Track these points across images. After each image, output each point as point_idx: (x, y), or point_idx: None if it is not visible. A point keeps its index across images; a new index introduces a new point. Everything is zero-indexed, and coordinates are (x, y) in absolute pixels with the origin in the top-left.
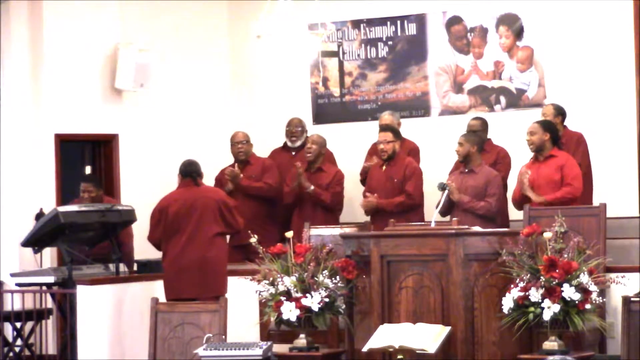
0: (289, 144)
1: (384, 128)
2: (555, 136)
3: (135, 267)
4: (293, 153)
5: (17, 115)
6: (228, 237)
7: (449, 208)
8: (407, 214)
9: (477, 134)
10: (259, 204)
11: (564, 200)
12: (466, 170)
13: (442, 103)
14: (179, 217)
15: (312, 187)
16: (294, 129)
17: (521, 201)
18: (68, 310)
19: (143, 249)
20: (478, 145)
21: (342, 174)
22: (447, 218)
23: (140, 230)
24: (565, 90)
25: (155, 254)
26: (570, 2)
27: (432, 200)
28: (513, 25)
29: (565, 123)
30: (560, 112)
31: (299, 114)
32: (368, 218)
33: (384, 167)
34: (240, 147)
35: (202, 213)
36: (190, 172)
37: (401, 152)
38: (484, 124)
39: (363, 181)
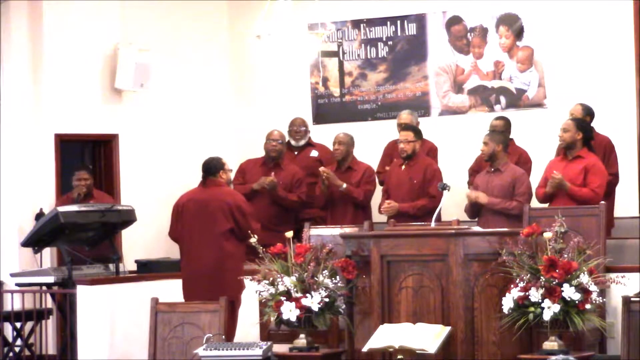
0: (292, 143)
1: (405, 127)
2: (588, 137)
3: (135, 267)
4: (296, 152)
5: (17, 115)
6: None
7: (476, 210)
8: (425, 217)
9: (502, 133)
10: (274, 206)
11: (581, 199)
12: (492, 170)
13: (442, 103)
14: (191, 216)
15: (345, 185)
16: (298, 128)
17: (545, 198)
18: (68, 310)
19: (144, 249)
20: (503, 144)
21: (372, 169)
22: (475, 219)
23: (141, 230)
24: (565, 90)
25: (155, 254)
26: (570, 2)
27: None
28: (513, 25)
29: (593, 124)
30: (589, 113)
31: (299, 114)
32: (384, 217)
33: (403, 167)
34: (274, 144)
35: (213, 215)
36: (203, 171)
37: (421, 152)
38: (507, 124)
39: (382, 182)
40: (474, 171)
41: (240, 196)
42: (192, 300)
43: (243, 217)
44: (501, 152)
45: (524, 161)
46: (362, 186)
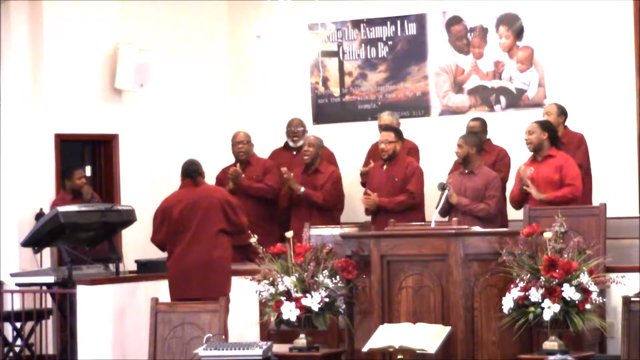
0: (290, 144)
1: (385, 128)
2: (554, 136)
3: (135, 267)
4: (294, 153)
5: (17, 115)
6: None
7: (448, 209)
8: (408, 214)
9: (477, 135)
10: (259, 204)
11: (564, 199)
12: (466, 172)
13: (442, 103)
14: (183, 217)
15: (303, 189)
16: (295, 129)
17: (520, 200)
18: (68, 310)
19: (144, 249)
20: (477, 146)
21: (338, 172)
22: (446, 218)
23: (141, 230)
24: (565, 90)
25: (155, 254)
26: (570, 2)
27: (433, 200)
28: (513, 25)
29: (566, 123)
30: (563, 112)
31: (299, 114)
32: (369, 218)
33: (384, 167)
34: (241, 147)
35: (206, 212)
36: (190, 172)
37: (402, 152)
38: (483, 125)
39: (364, 184)
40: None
41: (225, 190)
42: (179, 298)
43: (233, 211)
44: (475, 155)
45: (501, 157)
46: (323, 189)
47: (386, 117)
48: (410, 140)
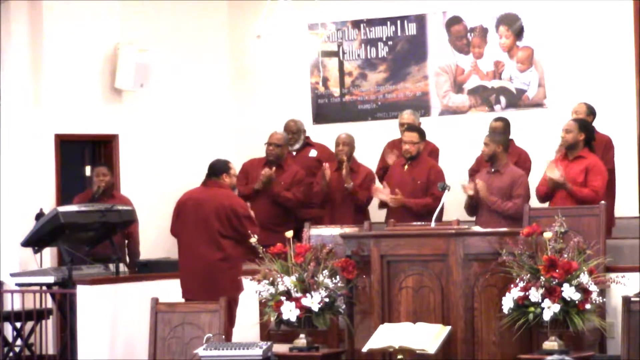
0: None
1: (409, 128)
2: (590, 138)
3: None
4: (294, 153)
5: (17, 115)
6: None
7: (474, 207)
8: (427, 216)
9: (504, 134)
10: (274, 206)
11: (584, 199)
12: (492, 170)
13: (442, 103)
14: (189, 214)
15: (352, 184)
16: (290, 134)
17: (545, 196)
18: (68, 310)
19: (145, 249)
20: (504, 145)
21: (373, 174)
22: (473, 218)
23: (141, 229)
24: (565, 90)
25: (155, 254)
26: (570, 2)
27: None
28: (513, 25)
29: (594, 124)
30: (592, 112)
31: (299, 114)
32: (382, 218)
33: (405, 167)
34: (272, 149)
35: (208, 216)
36: (209, 172)
37: (424, 153)
38: (506, 125)
39: (381, 178)
40: (474, 171)
41: (237, 199)
42: (189, 298)
43: (238, 220)
44: (502, 153)
45: (523, 161)
46: (364, 189)
47: (407, 115)
48: (431, 142)
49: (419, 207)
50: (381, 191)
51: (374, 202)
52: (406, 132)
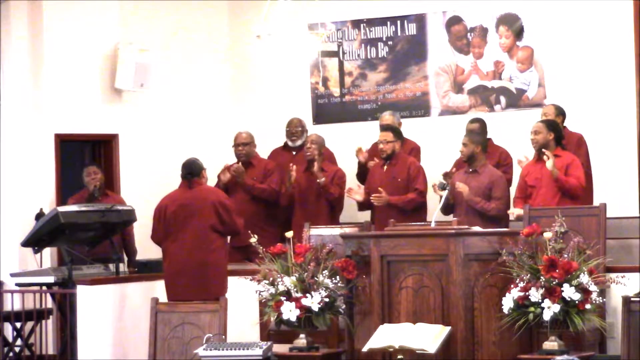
0: (289, 143)
1: (384, 128)
2: (559, 136)
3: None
4: (294, 153)
5: (17, 115)
6: (228, 238)
7: (450, 207)
8: (410, 215)
9: (482, 134)
10: (259, 204)
11: (571, 188)
12: (470, 171)
13: (442, 103)
14: (176, 217)
15: (324, 179)
16: (294, 129)
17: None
18: (68, 310)
19: (144, 249)
20: (482, 145)
21: (342, 172)
22: (444, 217)
23: (141, 230)
24: (565, 90)
25: (155, 254)
26: (570, 2)
27: (431, 200)
28: (513, 25)
29: (565, 124)
30: (561, 112)
31: (299, 114)
32: (368, 218)
33: (385, 167)
34: (241, 149)
35: (198, 214)
36: (185, 173)
37: (402, 151)
38: (482, 126)
39: (359, 176)
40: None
41: (222, 193)
42: (176, 299)
43: (227, 213)
44: (480, 154)
45: (504, 158)
46: (334, 185)
47: (387, 117)
48: (412, 140)
49: (404, 204)
50: (356, 192)
51: (354, 205)
52: (381, 132)
